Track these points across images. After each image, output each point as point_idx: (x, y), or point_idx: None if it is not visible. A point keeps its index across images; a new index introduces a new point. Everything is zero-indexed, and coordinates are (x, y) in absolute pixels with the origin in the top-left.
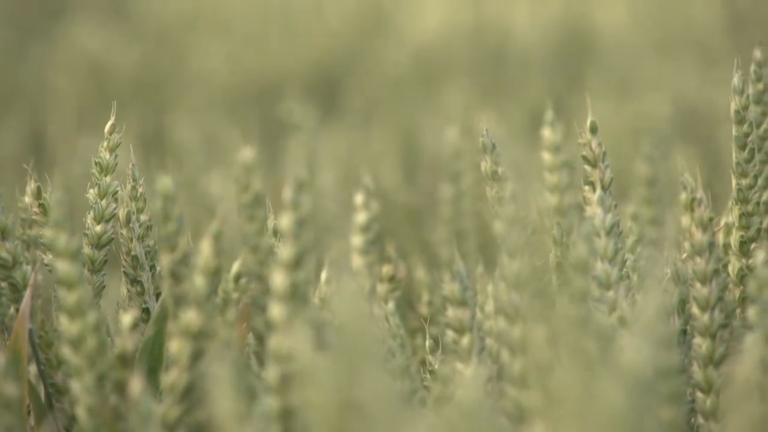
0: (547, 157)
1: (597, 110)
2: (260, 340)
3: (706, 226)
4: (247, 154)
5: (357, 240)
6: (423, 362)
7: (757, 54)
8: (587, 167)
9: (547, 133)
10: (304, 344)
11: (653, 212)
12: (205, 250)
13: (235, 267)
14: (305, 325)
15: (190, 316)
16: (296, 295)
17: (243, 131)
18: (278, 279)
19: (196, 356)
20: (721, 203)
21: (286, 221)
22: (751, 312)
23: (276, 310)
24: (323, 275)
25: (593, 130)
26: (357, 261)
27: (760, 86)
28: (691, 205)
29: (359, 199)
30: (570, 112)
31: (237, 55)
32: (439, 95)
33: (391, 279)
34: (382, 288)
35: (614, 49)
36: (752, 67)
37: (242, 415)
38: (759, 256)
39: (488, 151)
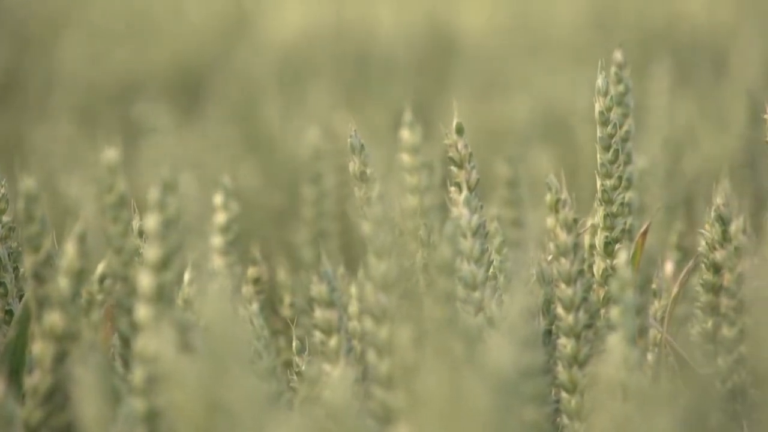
0: (405, 158)
1: (462, 111)
2: (125, 341)
3: (571, 227)
4: (110, 154)
5: (217, 241)
6: (287, 364)
7: (618, 56)
8: (453, 168)
9: (405, 134)
10: (170, 345)
11: (515, 213)
12: (69, 251)
13: (100, 268)
14: (171, 326)
15: (54, 318)
16: (163, 297)
17: (104, 132)
18: (145, 280)
19: (60, 358)
20: (582, 204)
21: (152, 222)
22: (614, 312)
23: (142, 312)
24: (186, 276)
25: (459, 131)
26: (217, 262)
27: (621, 88)
28: (555, 206)
29: (218, 199)
30: (436, 114)
31: (99, 55)
32: (302, 96)
33: (257, 281)
34: (247, 289)
35: (479, 50)
36: (613, 69)
37: (107, 418)
38: (621, 257)
39: (356, 151)
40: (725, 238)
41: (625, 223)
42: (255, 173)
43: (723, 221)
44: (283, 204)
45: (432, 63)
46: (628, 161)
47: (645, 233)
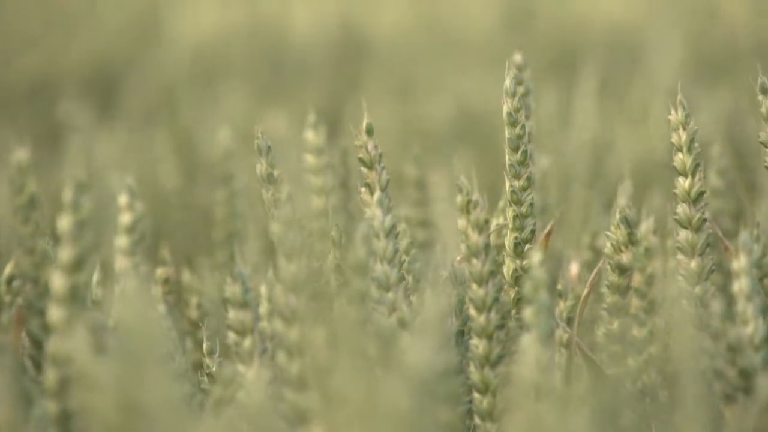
0: (310, 159)
1: (377, 113)
2: (36, 343)
3: (482, 227)
4: (21, 154)
5: (122, 241)
6: (196, 365)
7: (517, 58)
8: (364, 169)
9: (310, 135)
10: (84, 347)
11: (423, 214)
12: None
13: (8, 269)
14: (85, 327)
15: None
16: (76, 298)
17: (16, 132)
18: (57, 281)
19: None
20: (496, 204)
21: (65, 223)
22: (527, 312)
23: (55, 313)
24: (94, 277)
25: (369, 132)
26: (122, 262)
27: (522, 89)
28: (467, 207)
29: (123, 199)
30: (349, 114)
31: (13, 55)
32: (217, 96)
33: (165, 281)
34: (155, 290)
35: (393, 50)
36: (513, 71)
37: (19, 419)
38: (534, 258)
39: (263, 153)
40: (630, 240)
41: (534, 224)
42: (173, 173)
43: (628, 223)
44: (201, 203)
45: (346, 63)
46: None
47: (549, 234)
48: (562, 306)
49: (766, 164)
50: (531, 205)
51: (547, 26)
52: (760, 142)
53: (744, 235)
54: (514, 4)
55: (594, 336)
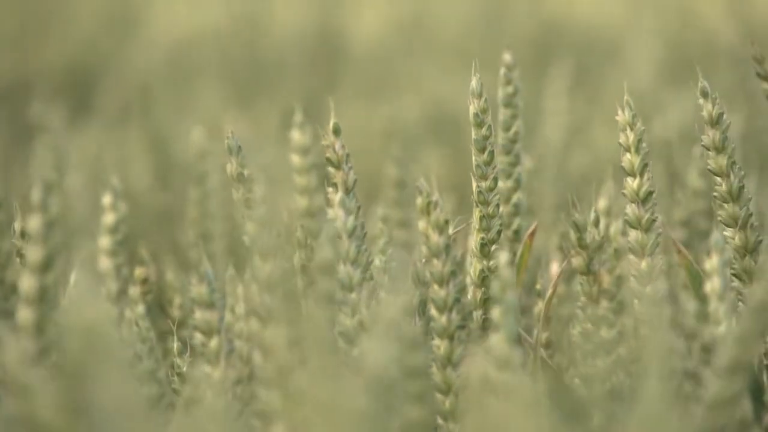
0: (295, 159)
1: (352, 112)
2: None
3: (442, 228)
4: None
5: (105, 241)
6: (172, 366)
7: (507, 57)
8: (331, 169)
9: (296, 135)
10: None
11: (402, 214)
12: None
13: None
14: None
15: None
16: (45, 299)
17: None
18: (26, 282)
19: None
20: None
21: (34, 223)
22: (495, 312)
23: (24, 314)
24: (72, 278)
25: (336, 131)
26: (105, 263)
27: (510, 89)
28: (427, 209)
29: (107, 200)
30: (326, 114)
31: None
32: (193, 96)
33: (144, 281)
34: (134, 290)
35: (369, 50)
36: (502, 70)
37: None
38: (502, 258)
39: (234, 152)
40: (580, 243)
41: (501, 225)
42: (147, 173)
43: (578, 227)
44: (173, 204)
45: (323, 63)
46: (516, 162)
47: (533, 234)
48: (540, 306)
49: (708, 167)
50: (498, 205)
51: (523, 27)
52: (702, 146)
53: (716, 235)
54: (491, 4)
55: (568, 335)
